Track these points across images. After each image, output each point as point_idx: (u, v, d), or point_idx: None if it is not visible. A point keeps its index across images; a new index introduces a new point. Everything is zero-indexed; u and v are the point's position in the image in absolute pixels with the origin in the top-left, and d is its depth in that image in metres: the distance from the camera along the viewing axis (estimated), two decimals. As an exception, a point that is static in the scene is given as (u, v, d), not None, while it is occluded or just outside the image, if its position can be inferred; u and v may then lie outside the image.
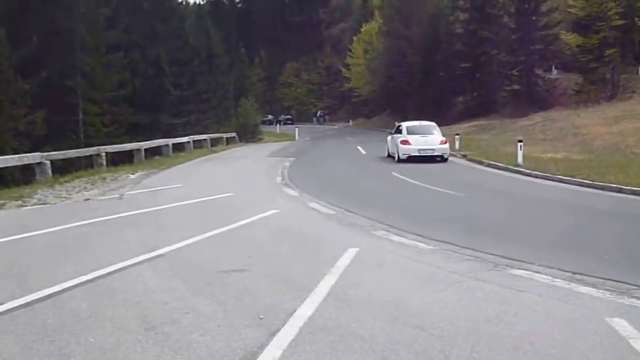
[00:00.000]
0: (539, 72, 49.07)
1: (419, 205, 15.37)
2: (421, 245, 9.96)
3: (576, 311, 6.24)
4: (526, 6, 47.20)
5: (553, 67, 51.39)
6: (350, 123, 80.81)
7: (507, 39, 49.39)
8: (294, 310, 6.17)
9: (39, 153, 22.71)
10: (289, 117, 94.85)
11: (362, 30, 78.82)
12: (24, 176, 24.19)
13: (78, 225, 12.40)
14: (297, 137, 53.01)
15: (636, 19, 42.46)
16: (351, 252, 9.16)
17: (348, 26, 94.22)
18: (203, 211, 14.67)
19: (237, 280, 7.74)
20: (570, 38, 43.21)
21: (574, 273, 7.75)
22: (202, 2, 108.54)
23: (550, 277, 7.59)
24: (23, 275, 8.10)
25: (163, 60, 44.18)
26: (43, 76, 30.87)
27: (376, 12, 76.25)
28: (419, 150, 26.77)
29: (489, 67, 50.90)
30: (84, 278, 7.69)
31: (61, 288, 7.22)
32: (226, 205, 15.37)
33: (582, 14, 42.63)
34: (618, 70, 42.75)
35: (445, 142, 27.33)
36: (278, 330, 5.55)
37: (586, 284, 7.25)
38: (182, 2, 55.10)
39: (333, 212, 13.70)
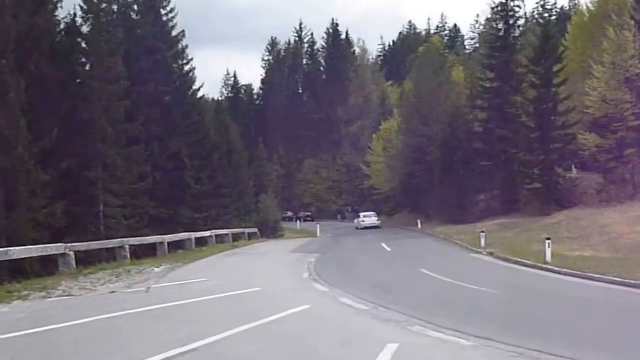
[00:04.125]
0: (559, 171, 48.97)
1: (451, 301, 15.22)
2: (462, 341, 9.85)
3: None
4: (544, 106, 47.43)
5: (573, 167, 51.41)
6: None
7: (526, 138, 49.50)
8: None
9: (62, 244, 22.76)
10: (309, 214, 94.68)
11: (381, 128, 79.23)
12: (45, 267, 23.92)
13: (107, 318, 12.31)
14: (318, 234, 52.76)
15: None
16: (391, 348, 9.00)
17: (367, 124, 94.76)
18: (232, 306, 14.56)
19: None
20: (588, 138, 43.33)
21: None
22: (220, 99, 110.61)
23: None
24: None
25: (184, 154, 44.46)
26: (63, 167, 30.79)
27: (395, 111, 77.08)
28: (368, 224, 60.74)
29: (509, 165, 50.92)
30: None
31: None
32: (255, 300, 15.34)
33: (599, 115, 42.86)
34: (638, 170, 42.64)
35: (378, 219, 63.50)
36: None
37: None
38: (202, 97, 55.57)
39: (366, 308, 13.63)
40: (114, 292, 16.87)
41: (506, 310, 13.58)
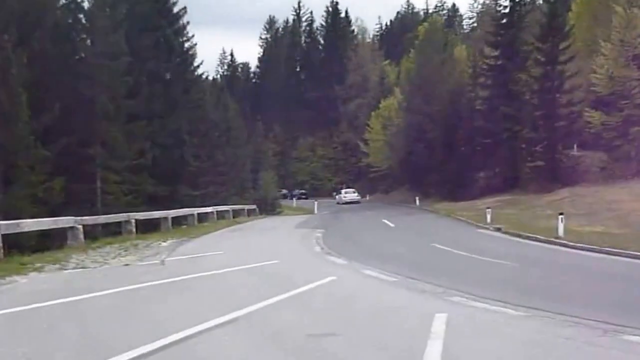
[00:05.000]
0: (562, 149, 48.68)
1: (477, 273, 14.94)
2: (509, 311, 9.57)
3: None
4: (549, 84, 47.10)
5: (575, 146, 51.07)
6: (368, 198, 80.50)
7: (530, 115, 49.17)
8: None
9: (71, 217, 22.50)
10: (304, 191, 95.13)
11: (380, 106, 79.06)
12: (52, 242, 23.50)
13: (131, 289, 12.10)
14: (316, 211, 52.51)
15: (659, 96, 42.30)
16: (441, 318, 8.65)
17: (364, 102, 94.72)
18: (257, 277, 14.37)
19: (332, 344, 7.34)
20: (594, 116, 42.98)
21: None
22: (216, 77, 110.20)
23: None
24: (97, 340, 7.65)
25: (183, 130, 43.96)
26: (63, 144, 30.41)
27: (396, 89, 76.77)
28: (349, 199, 67.49)
29: (511, 143, 50.60)
30: (164, 341, 7.21)
31: (140, 353, 6.69)
32: (277, 272, 15.12)
33: (606, 92, 42.53)
34: (642, 149, 42.40)
35: (358, 195, 71.37)
36: None
37: None
38: (201, 74, 55.07)
39: (395, 279, 13.38)
40: (127, 264, 16.66)
41: (538, 282, 13.38)
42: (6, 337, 7.72)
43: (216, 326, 8.25)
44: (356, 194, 72.34)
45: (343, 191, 74.51)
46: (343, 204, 66.74)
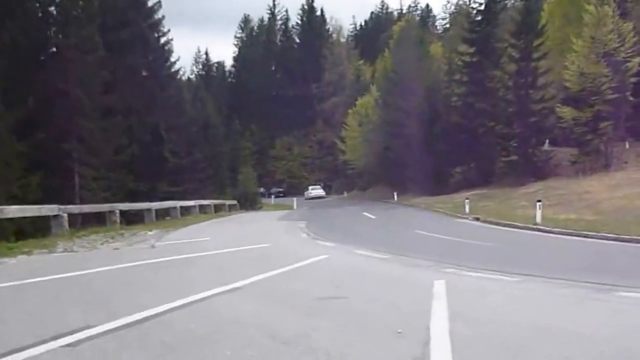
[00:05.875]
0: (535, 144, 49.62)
1: (463, 252, 15.55)
2: (504, 277, 10.09)
3: None
4: (523, 80, 48.05)
5: (547, 142, 52.00)
6: (345, 195, 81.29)
7: (504, 111, 50.15)
8: (428, 326, 6.10)
9: (55, 205, 22.49)
10: (281, 190, 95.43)
11: (357, 103, 79.65)
12: (34, 230, 23.40)
13: (128, 267, 12.23)
14: (295, 207, 53.01)
15: (627, 93, 43.30)
16: (440, 284, 9.09)
17: (341, 101, 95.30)
18: (252, 256, 14.60)
19: (342, 305, 7.64)
20: (565, 111, 43.89)
21: None
22: (191, 77, 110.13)
23: None
24: (104, 303, 7.88)
25: (161, 127, 44.13)
26: (39, 139, 29.98)
27: (372, 86, 77.43)
28: (315, 194, 74.30)
29: (486, 138, 51.41)
30: (171, 305, 7.50)
31: (155, 312, 7.01)
32: (271, 253, 15.39)
33: (577, 88, 43.47)
34: (611, 143, 43.45)
35: (323, 191, 79.18)
36: (427, 342, 5.46)
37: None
38: (178, 69, 55.22)
39: (387, 257, 13.75)
40: (117, 249, 16.64)
41: (524, 257, 14.16)
42: (14, 305, 7.90)
43: (223, 292, 8.59)
44: (321, 190, 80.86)
45: (310, 187, 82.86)
46: (310, 198, 74.11)
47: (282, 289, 9.17)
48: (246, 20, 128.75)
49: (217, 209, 44.25)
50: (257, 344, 5.45)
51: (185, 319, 6.72)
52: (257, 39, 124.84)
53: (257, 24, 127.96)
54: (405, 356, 4.93)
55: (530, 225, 22.56)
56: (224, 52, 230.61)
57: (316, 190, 79.74)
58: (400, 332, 5.81)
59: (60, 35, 34.94)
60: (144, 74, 45.69)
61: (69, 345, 5.42)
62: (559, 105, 45.09)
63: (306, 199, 73.79)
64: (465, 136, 52.02)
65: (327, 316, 6.80)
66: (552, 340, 5.60)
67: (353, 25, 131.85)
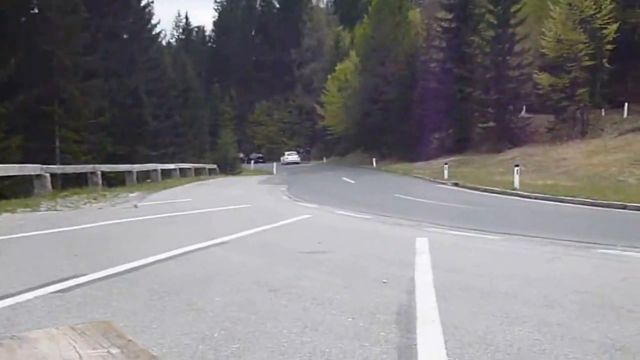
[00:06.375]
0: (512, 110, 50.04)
1: (443, 213, 15.87)
2: (485, 235, 10.38)
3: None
4: (500, 46, 48.37)
5: (524, 108, 52.43)
6: (324, 160, 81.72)
7: (482, 77, 50.54)
8: (412, 277, 6.30)
9: (38, 165, 22.33)
10: (260, 155, 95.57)
11: (336, 69, 79.58)
12: (16, 192, 23.14)
13: (115, 223, 12.25)
14: (275, 172, 53.35)
15: (604, 60, 43.76)
16: (423, 241, 9.32)
17: (320, 66, 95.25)
18: (236, 215, 14.81)
19: (327, 258, 7.80)
20: (542, 78, 44.27)
21: None
22: (171, 41, 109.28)
23: None
24: (91, 256, 7.90)
25: (142, 90, 43.94)
26: (20, 101, 29.51)
27: (351, 52, 77.36)
28: (290, 160, 77.72)
29: (464, 104, 51.77)
30: (159, 257, 7.60)
31: (143, 263, 7.14)
32: (254, 213, 15.61)
33: (554, 55, 43.84)
34: (587, 110, 43.95)
35: (298, 157, 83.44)
36: (412, 291, 5.66)
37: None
38: (159, 32, 55.00)
39: (369, 217, 14.04)
40: (100, 208, 16.60)
41: (504, 219, 14.48)
42: (3, 258, 7.83)
43: (210, 245, 8.74)
44: (297, 156, 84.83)
45: (286, 153, 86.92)
46: (285, 164, 76.17)
47: (268, 243, 9.30)
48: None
49: (198, 172, 44.35)
50: (246, 291, 5.63)
51: (173, 269, 6.86)
52: (237, 4, 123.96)
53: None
54: (392, 303, 5.11)
55: (509, 190, 22.99)
56: (204, 16, 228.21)
57: (292, 156, 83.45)
58: (385, 282, 6.01)
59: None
60: (125, 36, 45.40)
61: (59, 291, 5.56)
62: (536, 71, 45.43)
63: (282, 164, 75.14)
64: (443, 102, 52.20)
65: (313, 268, 6.95)
66: (532, 287, 5.88)
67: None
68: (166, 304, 5.17)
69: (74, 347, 1.73)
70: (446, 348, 3.90)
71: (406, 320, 4.58)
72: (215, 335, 4.22)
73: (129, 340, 1.80)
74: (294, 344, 4.02)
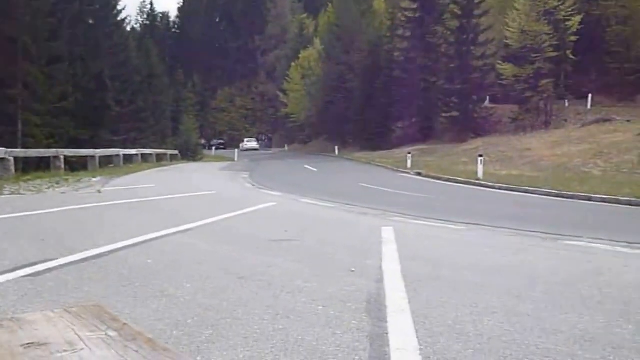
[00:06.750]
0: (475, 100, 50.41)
1: (408, 203, 15.81)
2: (449, 225, 10.44)
3: None
4: (464, 37, 48.70)
5: (487, 99, 52.90)
6: (286, 148, 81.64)
7: (446, 67, 50.85)
8: (380, 267, 6.31)
9: (3, 148, 22.01)
10: (222, 141, 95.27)
11: (300, 56, 79.52)
12: None
13: (80, 208, 12.13)
14: (236, 159, 53.16)
15: (567, 51, 44.29)
16: (388, 230, 9.35)
17: (283, 54, 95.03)
18: (199, 201, 14.74)
19: (295, 246, 7.82)
20: (506, 68, 44.69)
21: (630, 243, 8.55)
22: (136, 27, 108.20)
23: (609, 245, 8.36)
24: (59, 240, 7.79)
25: (106, 75, 43.53)
26: None
27: (316, 40, 77.30)
28: (249, 147, 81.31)
29: (428, 94, 52.02)
30: (126, 243, 7.55)
31: (112, 249, 7.09)
32: (218, 199, 15.58)
33: (518, 46, 44.26)
34: (551, 101, 44.47)
35: (257, 144, 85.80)
36: (381, 280, 5.67)
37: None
38: (124, 18, 54.45)
39: (333, 205, 14.07)
40: (64, 193, 16.40)
41: (470, 209, 14.47)
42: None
43: (176, 232, 8.67)
44: (255, 143, 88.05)
45: (245, 140, 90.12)
46: (245, 150, 78.26)
47: (234, 231, 9.31)
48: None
49: (159, 158, 44.03)
50: (215, 278, 5.63)
51: (141, 255, 6.83)
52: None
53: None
54: (361, 292, 5.13)
55: (473, 180, 23.09)
56: (169, 2, 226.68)
57: (251, 143, 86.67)
58: (353, 271, 6.03)
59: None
60: (91, 22, 44.97)
61: (30, 275, 5.54)
62: (499, 62, 45.89)
63: (242, 150, 75.75)
64: (406, 91, 52.52)
65: (281, 256, 6.94)
66: (500, 278, 5.96)
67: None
68: (137, 289, 5.17)
69: (73, 329, 1.75)
70: (417, 337, 3.93)
71: (376, 309, 4.60)
72: (189, 321, 4.24)
73: (124, 324, 1.82)
74: (266, 331, 4.04)
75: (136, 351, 1.65)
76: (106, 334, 1.73)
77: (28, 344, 1.65)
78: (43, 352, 1.61)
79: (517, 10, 43.22)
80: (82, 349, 1.63)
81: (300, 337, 3.88)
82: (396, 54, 56.89)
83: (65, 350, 1.62)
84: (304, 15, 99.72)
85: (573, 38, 43.37)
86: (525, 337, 3.99)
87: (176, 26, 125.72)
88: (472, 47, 48.57)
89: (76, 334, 1.72)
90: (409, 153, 33.63)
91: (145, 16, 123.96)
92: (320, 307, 4.61)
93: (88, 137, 39.76)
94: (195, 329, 4.05)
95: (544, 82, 43.03)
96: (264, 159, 54.73)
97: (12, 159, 22.09)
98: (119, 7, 49.18)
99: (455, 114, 49.24)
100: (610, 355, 3.68)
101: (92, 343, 1.67)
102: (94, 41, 42.94)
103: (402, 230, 9.60)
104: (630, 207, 15.17)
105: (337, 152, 56.28)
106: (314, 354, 3.61)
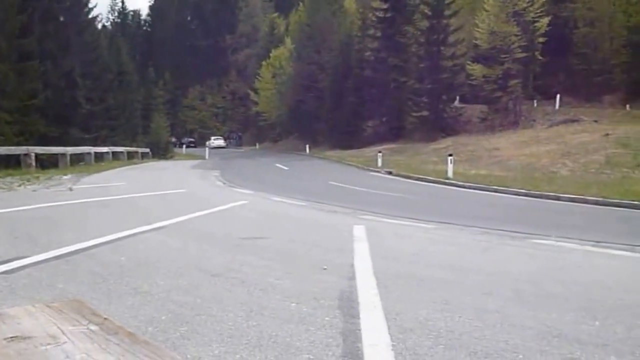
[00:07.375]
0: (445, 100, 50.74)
1: (377, 201, 15.96)
2: (421, 224, 10.48)
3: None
4: (435, 37, 49.05)
5: (457, 98, 53.26)
6: (257, 146, 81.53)
7: (416, 67, 51.18)
8: (352, 264, 6.36)
9: None
10: (192, 139, 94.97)
11: (271, 55, 79.46)
12: None
13: (51, 206, 12.07)
14: (207, 157, 53.07)
15: (536, 52, 44.80)
16: (360, 228, 9.38)
17: (254, 52, 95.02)
18: (171, 200, 14.71)
19: (267, 244, 7.85)
20: (475, 69, 45.11)
21: (597, 242, 8.61)
22: (107, 25, 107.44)
23: (577, 244, 8.45)
24: (31, 238, 7.81)
25: (76, 72, 43.18)
26: None
27: (287, 39, 77.30)
28: (216, 145, 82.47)
29: (398, 93, 52.24)
30: (98, 240, 7.52)
31: (84, 246, 7.08)
32: (190, 198, 15.61)
33: (487, 47, 44.67)
34: (520, 101, 44.96)
35: (225, 142, 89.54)
36: (353, 277, 5.72)
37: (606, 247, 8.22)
38: (96, 16, 54.04)
39: (304, 204, 14.08)
40: (35, 190, 16.32)
41: (439, 208, 14.69)
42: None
43: (147, 230, 8.67)
44: (222, 141, 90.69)
45: (212, 138, 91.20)
46: (212, 148, 76.03)
47: (206, 229, 9.33)
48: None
49: (130, 156, 43.91)
50: (188, 276, 5.66)
51: (113, 252, 6.84)
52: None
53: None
54: (333, 289, 5.17)
55: (442, 180, 23.21)
56: (140, 1, 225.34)
57: (218, 141, 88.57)
58: (325, 269, 6.08)
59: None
60: (61, 19, 44.52)
61: (3, 273, 5.53)
62: (469, 62, 46.30)
63: (209, 148, 73.93)
64: (377, 91, 52.70)
65: (253, 254, 6.98)
66: (470, 276, 6.04)
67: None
68: (111, 287, 5.19)
69: (55, 323, 1.79)
70: (389, 334, 3.99)
71: (349, 306, 4.66)
72: (163, 317, 4.27)
73: (105, 318, 1.87)
74: (240, 327, 4.08)
75: (117, 344, 1.69)
76: (88, 328, 1.78)
77: (12, 337, 1.69)
78: (27, 345, 1.65)
79: (487, 11, 43.66)
80: (65, 342, 1.68)
81: (274, 334, 3.94)
82: (367, 53, 57.06)
83: (48, 344, 1.66)
84: (275, 15, 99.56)
85: (541, 39, 43.92)
86: (495, 333, 4.07)
87: (147, 24, 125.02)
88: (442, 48, 49.02)
89: (58, 327, 1.76)
90: (380, 152, 33.82)
91: (116, 14, 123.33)
92: (294, 304, 4.66)
93: (58, 134, 39.27)
94: (170, 325, 4.09)
95: (512, 82, 43.55)
96: (235, 157, 54.61)
97: (-20, 156, 21.89)
98: (90, 5, 48.51)
99: (425, 113, 49.59)
100: (577, 351, 3.75)
101: (75, 337, 1.72)
102: (64, 39, 42.44)
103: (374, 228, 9.64)
104: (598, 206, 15.30)
105: (308, 150, 56.32)
106: (288, 350, 3.66)
